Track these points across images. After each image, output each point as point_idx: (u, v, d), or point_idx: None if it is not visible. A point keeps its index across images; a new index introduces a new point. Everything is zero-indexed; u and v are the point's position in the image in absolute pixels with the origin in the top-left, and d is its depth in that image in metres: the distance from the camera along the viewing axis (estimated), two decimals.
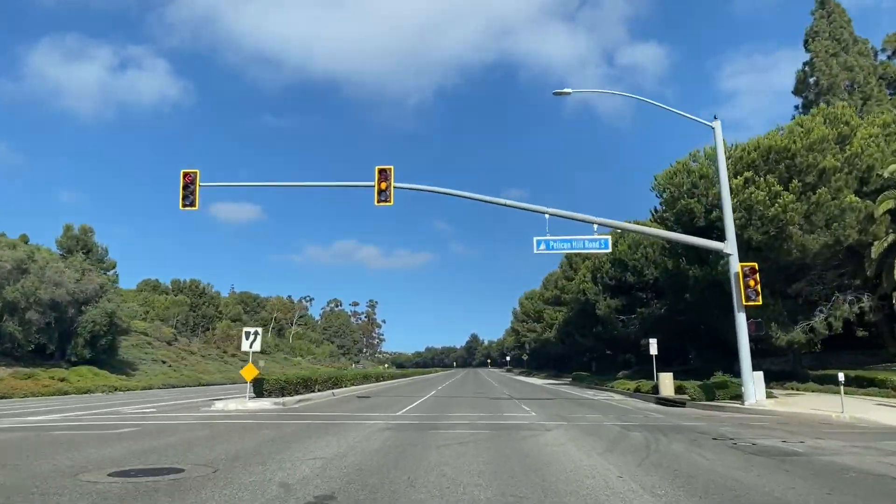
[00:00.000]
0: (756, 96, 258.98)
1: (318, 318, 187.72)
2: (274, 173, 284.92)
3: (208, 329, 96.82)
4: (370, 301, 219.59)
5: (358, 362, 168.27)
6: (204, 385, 52.21)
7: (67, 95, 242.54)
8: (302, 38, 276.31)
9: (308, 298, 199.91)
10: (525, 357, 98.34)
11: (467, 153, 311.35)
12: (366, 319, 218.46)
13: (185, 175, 20.30)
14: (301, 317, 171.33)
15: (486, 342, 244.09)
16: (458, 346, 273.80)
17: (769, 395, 19.07)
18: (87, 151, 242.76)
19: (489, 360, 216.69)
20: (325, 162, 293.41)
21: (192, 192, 20.25)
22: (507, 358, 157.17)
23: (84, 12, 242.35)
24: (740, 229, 21.53)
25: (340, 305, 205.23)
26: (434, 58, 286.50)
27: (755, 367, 18.94)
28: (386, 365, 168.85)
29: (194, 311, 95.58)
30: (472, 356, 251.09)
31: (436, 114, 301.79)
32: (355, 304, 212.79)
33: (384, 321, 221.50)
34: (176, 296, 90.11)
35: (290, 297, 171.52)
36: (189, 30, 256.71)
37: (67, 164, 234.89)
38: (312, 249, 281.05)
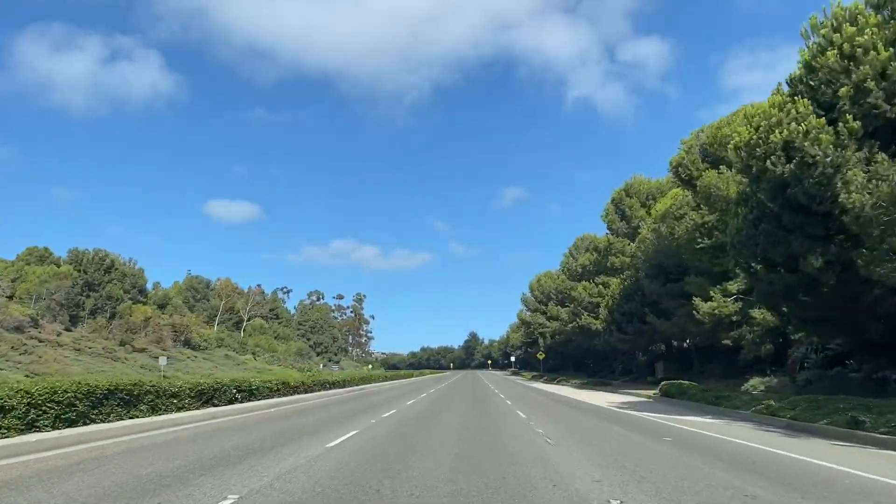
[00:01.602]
0: (760, 94, 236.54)
1: (294, 312, 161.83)
2: (270, 169, 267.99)
3: (116, 315, 70.77)
4: (357, 295, 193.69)
5: (338, 362, 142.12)
6: None
7: (58, 88, 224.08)
8: (295, 32, 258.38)
9: (285, 290, 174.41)
10: (541, 356, 72.01)
11: (465, 150, 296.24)
12: (352, 315, 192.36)
13: None
14: (272, 310, 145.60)
15: (486, 341, 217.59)
16: (455, 346, 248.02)
17: None
18: (80, 146, 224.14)
19: (489, 362, 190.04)
20: (320, 158, 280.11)
21: None
22: (512, 358, 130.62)
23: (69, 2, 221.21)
24: None
25: (322, 299, 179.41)
26: (431, 53, 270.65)
27: None
28: (370, 366, 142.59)
29: (94, 290, 69.59)
30: (470, 357, 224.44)
31: (433, 110, 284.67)
32: (340, 297, 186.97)
33: (373, 317, 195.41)
34: (59, 267, 64.14)
35: (259, 285, 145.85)
36: (179, 21, 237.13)
37: (60, 160, 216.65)
38: (310, 249, 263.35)
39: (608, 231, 46.91)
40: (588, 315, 45.24)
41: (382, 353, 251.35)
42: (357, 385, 34.93)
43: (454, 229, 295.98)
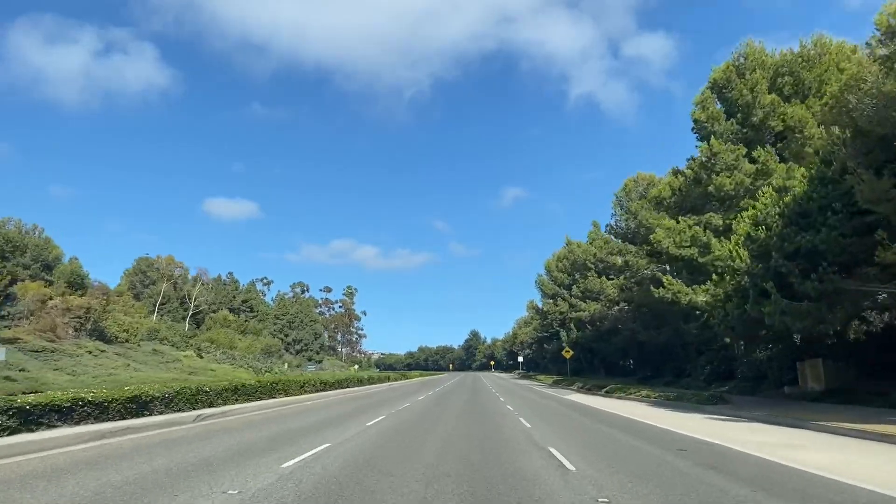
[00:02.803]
0: None
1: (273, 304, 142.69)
2: (268, 167, 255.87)
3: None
4: (348, 288, 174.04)
5: (320, 362, 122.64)
6: None
7: (51, 82, 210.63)
8: (289, 24, 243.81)
9: (265, 281, 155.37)
10: (567, 354, 51.86)
11: (465, 149, 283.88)
12: (342, 310, 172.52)
13: None
14: (245, 301, 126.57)
15: (488, 340, 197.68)
16: (455, 346, 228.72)
17: None
18: (75, 142, 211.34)
19: (492, 363, 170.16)
20: (318, 155, 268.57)
21: None
22: (520, 358, 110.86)
23: None
24: None
25: (307, 291, 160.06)
26: (430, 47, 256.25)
27: None
28: (356, 367, 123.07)
29: None
30: (471, 357, 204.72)
31: (432, 107, 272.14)
32: (327, 289, 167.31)
33: (364, 312, 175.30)
34: None
35: (230, 273, 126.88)
36: (172, 13, 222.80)
37: (56, 156, 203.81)
38: (309, 248, 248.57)
39: (703, 139, 27.31)
40: (676, 281, 25.50)
41: (379, 354, 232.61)
42: (236, 404, 15.44)
43: (455, 229, 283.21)
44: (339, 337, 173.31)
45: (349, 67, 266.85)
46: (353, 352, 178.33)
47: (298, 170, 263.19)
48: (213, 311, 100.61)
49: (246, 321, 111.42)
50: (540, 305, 73.95)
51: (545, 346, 68.52)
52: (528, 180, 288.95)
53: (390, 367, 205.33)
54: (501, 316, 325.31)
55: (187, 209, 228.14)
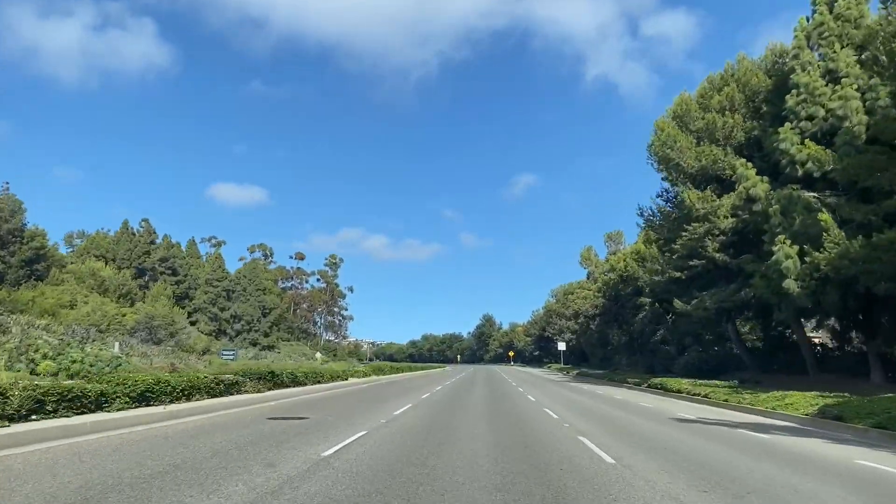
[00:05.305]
0: None
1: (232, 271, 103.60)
2: (273, 150, 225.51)
3: None
4: (330, 258, 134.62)
5: (270, 347, 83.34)
6: None
7: (46, 57, 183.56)
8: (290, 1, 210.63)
9: (214, 241, 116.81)
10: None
11: (475, 133, 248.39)
12: (322, 285, 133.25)
13: None
14: (165, 259, 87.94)
15: (504, 327, 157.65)
16: (465, 334, 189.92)
17: None
18: (73, 122, 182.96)
19: (511, 353, 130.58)
20: (322, 139, 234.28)
21: None
22: (561, 346, 71.20)
23: None
24: None
25: (270, 256, 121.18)
26: (438, 23, 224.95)
27: None
28: (319, 355, 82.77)
29: None
30: (483, 346, 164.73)
31: (440, 89, 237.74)
32: (299, 256, 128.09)
33: (351, 289, 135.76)
34: None
35: (145, 221, 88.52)
36: None
37: (55, 136, 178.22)
38: (318, 238, 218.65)
39: None
40: None
41: (378, 343, 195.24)
42: None
43: (465, 218, 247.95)
44: (317, 318, 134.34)
45: (352, 45, 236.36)
46: (338, 337, 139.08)
47: (303, 153, 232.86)
48: (68, 262, 62.34)
49: (140, 280, 73.02)
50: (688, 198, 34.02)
51: (671, 301, 28.43)
52: (541, 167, 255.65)
53: (390, 357, 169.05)
54: (512, 313, 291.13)
55: (192, 193, 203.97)
